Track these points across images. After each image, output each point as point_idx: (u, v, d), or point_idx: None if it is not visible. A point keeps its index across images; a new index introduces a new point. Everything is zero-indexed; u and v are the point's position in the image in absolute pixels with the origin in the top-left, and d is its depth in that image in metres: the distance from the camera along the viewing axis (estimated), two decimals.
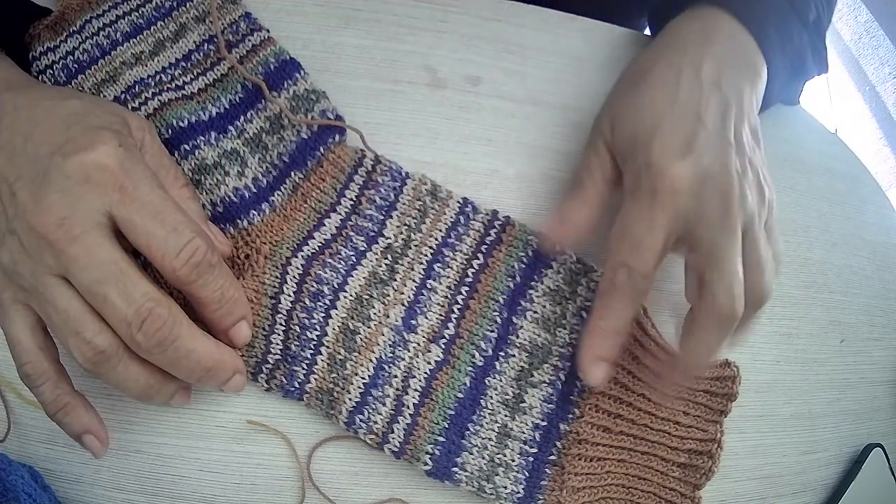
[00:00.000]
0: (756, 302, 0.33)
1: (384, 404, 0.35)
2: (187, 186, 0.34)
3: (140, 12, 0.40)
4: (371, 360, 0.35)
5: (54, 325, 0.28)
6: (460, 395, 0.36)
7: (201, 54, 0.40)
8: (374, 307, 0.36)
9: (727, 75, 0.34)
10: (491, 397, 0.36)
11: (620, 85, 0.38)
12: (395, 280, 0.37)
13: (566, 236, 0.36)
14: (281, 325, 0.35)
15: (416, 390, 0.35)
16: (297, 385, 0.35)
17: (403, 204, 0.38)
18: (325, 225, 0.38)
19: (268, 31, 0.40)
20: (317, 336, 0.35)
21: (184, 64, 0.39)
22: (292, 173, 0.38)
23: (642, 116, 0.34)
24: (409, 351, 0.36)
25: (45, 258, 0.27)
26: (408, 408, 0.35)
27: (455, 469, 0.35)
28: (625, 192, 0.34)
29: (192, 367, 0.29)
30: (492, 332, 0.37)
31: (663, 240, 0.32)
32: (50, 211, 0.27)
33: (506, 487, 0.35)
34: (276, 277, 0.36)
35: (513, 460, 0.36)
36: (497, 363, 0.37)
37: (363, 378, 0.35)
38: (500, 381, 0.36)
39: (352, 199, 0.38)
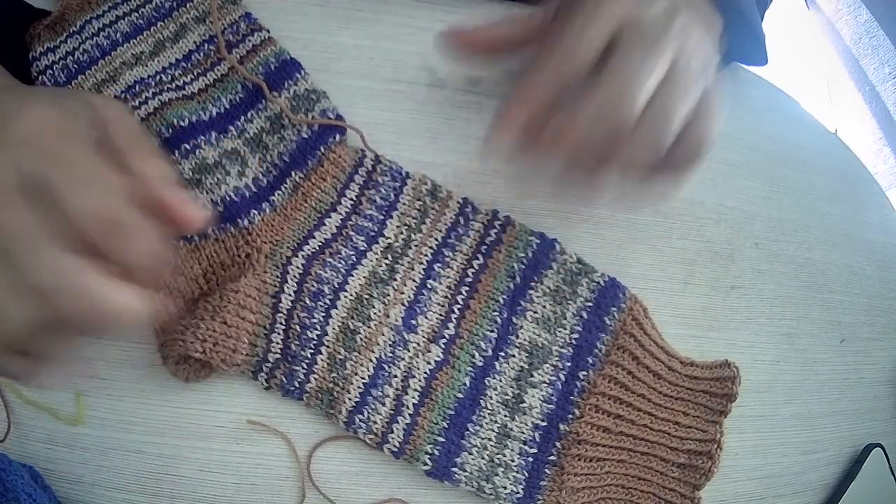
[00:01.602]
0: (645, 131, 0.31)
1: (384, 404, 0.35)
2: (156, 156, 0.30)
3: (140, 13, 0.40)
4: (371, 360, 0.35)
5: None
6: (460, 395, 0.36)
7: (201, 54, 0.40)
8: (374, 307, 0.36)
9: (680, 3, 0.34)
10: (491, 397, 0.36)
11: None
12: (396, 280, 0.37)
13: (471, 41, 0.36)
14: (281, 324, 0.35)
15: (415, 390, 0.35)
16: (297, 385, 0.35)
17: (404, 204, 0.38)
18: (325, 224, 0.38)
19: (268, 31, 0.40)
20: (317, 335, 0.35)
21: (184, 64, 0.40)
22: (293, 173, 0.38)
23: None
24: (409, 351, 0.36)
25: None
26: (407, 408, 0.35)
27: (454, 469, 0.35)
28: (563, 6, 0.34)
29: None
30: (492, 332, 0.37)
31: (603, 36, 0.31)
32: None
33: (505, 488, 0.35)
34: (277, 277, 0.36)
35: (512, 460, 0.36)
36: (497, 363, 0.37)
37: (363, 378, 0.35)
38: (500, 381, 0.36)
39: (352, 199, 0.38)
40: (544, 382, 0.37)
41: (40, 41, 0.38)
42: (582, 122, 0.31)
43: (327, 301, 0.36)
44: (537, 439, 0.36)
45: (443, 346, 0.36)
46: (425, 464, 0.35)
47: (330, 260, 0.37)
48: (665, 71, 0.32)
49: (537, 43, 0.35)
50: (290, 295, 0.36)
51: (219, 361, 0.33)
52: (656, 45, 0.31)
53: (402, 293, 0.37)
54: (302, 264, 0.36)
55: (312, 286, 0.36)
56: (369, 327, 0.36)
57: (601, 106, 0.31)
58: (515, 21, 0.36)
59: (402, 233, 0.38)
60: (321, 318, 0.36)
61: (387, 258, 0.37)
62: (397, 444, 0.35)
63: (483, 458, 0.35)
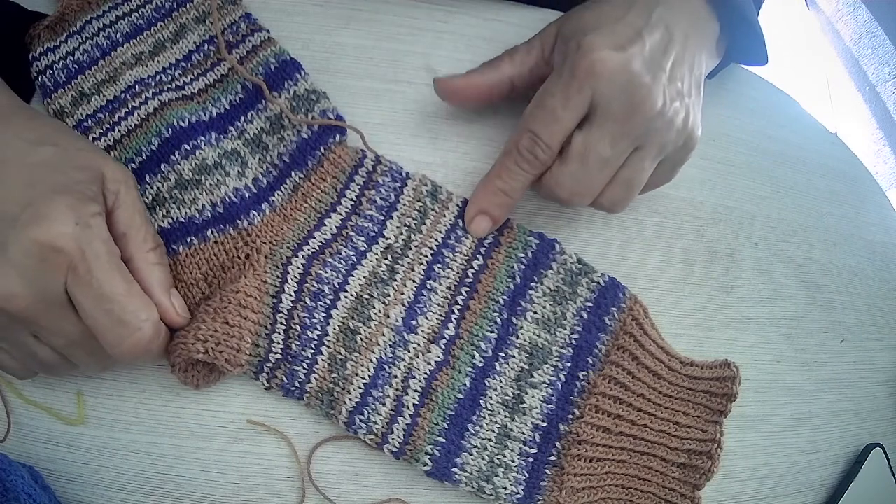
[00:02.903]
0: (602, 205, 0.36)
1: (384, 404, 0.35)
2: (155, 250, 0.33)
3: (140, 13, 0.40)
4: (371, 361, 0.35)
5: (18, 361, 0.32)
6: (460, 396, 0.36)
7: (201, 55, 0.40)
8: (374, 307, 0.36)
9: (676, 21, 0.35)
10: (491, 398, 0.36)
11: (573, 10, 0.39)
12: (396, 280, 0.37)
13: (459, 91, 0.39)
14: (282, 324, 0.35)
15: (416, 391, 0.35)
16: (297, 385, 0.35)
17: (404, 204, 0.38)
18: (325, 225, 0.38)
19: (268, 31, 0.40)
20: (318, 336, 0.35)
21: (184, 64, 0.40)
22: (293, 173, 0.38)
23: (588, 18, 0.35)
24: (409, 351, 0.36)
25: (15, 327, 0.29)
26: (408, 408, 0.35)
27: (455, 469, 0.35)
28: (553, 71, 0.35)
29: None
30: (492, 332, 0.37)
31: (573, 118, 0.33)
32: (11, 291, 0.28)
33: (505, 488, 0.35)
34: (277, 277, 0.36)
35: (512, 461, 0.36)
36: (497, 364, 0.37)
37: (363, 378, 0.35)
38: (500, 381, 0.36)
39: (352, 199, 0.38)
40: (544, 383, 0.37)
41: (40, 41, 0.38)
42: (546, 193, 0.35)
43: (328, 301, 0.36)
44: (537, 440, 0.36)
45: (443, 347, 0.36)
46: (425, 464, 0.35)
47: (330, 260, 0.37)
48: (631, 148, 0.33)
49: (534, 86, 0.36)
50: (290, 295, 0.36)
51: (223, 362, 0.33)
52: (627, 124, 0.32)
53: (403, 293, 0.37)
54: (302, 264, 0.36)
55: (313, 286, 0.36)
56: (370, 327, 0.36)
57: (563, 189, 0.34)
58: (509, 61, 0.38)
59: (402, 233, 0.38)
60: (322, 319, 0.36)
61: (387, 258, 0.37)
62: (397, 445, 0.35)
63: (483, 458, 0.35)
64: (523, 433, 0.36)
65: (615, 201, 0.35)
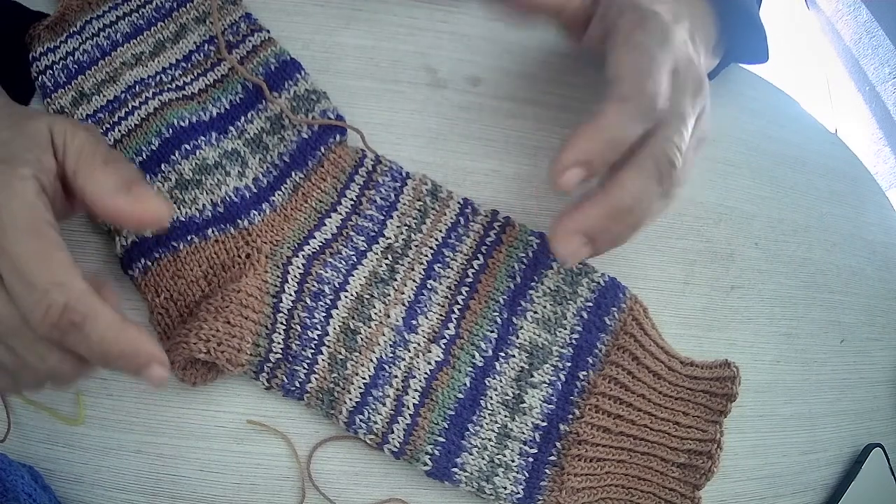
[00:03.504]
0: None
1: (384, 404, 0.35)
2: (108, 164, 0.29)
3: (140, 13, 0.40)
4: (371, 360, 0.35)
5: None
6: (460, 396, 0.36)
7: (202, 55, 0.40)
8: (374, 307, 0.36)
9: (690, 17, 0.35)
10: (491, 398, 0.36)
11: None
12: (396, 280, 0.37)
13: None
14: (282, 324, 0.35)
15: (416, 390, 0.35)
16: (297, 385, 0.35)
17: (404, 204, 0.38)
18: (325, 225, 0.38)
19: (268, 31, 0.40)
20: (318, 335, 0.35)
21: (184, 64, 0.40)
22: (293, 173, 0.38)
23: None
24: (409, 351, 0.36)
25: None
26: (408, 408, 0.35)
27: (455, 469, 0.35)
28: (618, 28, 0.33)
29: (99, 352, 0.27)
30: (492, 332, 0.37)
31: (670, 77, 0.32)
32: None
33: (505, 488, 0.35)
34: (278, 277, 0.36)
35: (512, 461, 0.36)
36: (497, 363, 0.37)
37: (363, 378, 0.35)
38: (500, 381, 0.36)
39: (352, 199, 0.38)
40: (544, 383, 0.37)
41: (40, 41, 0.38)
42: (635, 186, 0.31)
43: (328, 301, 0.36)
44: (537, 439, 0.36)
45: (443, 347, 0.36)
46: (425, 464, 0.35)
47: (330, 260, 0.37)
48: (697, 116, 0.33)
49: (579, 22, 0.36)
50: (290, 295, 0.36)
51: (224, 361, 0.33)
52: (698, 92, 0.32)
53: (403, 293, 0.37)
54: (302, 264, 0.36)
55: (313, 286, 0.36)
56: (370, 327, 0.36)
57: (653, 171, 0.31)
58: None
59: (402, 233, 0.38)
60: (322, 318, 0.36)
61: (387, 258, 0.38)
62: (397, 445, 0.35)
63: (483, 458, 0.35)
64: (523, 433, 0.36)
65: (690, 165, 0.34)
